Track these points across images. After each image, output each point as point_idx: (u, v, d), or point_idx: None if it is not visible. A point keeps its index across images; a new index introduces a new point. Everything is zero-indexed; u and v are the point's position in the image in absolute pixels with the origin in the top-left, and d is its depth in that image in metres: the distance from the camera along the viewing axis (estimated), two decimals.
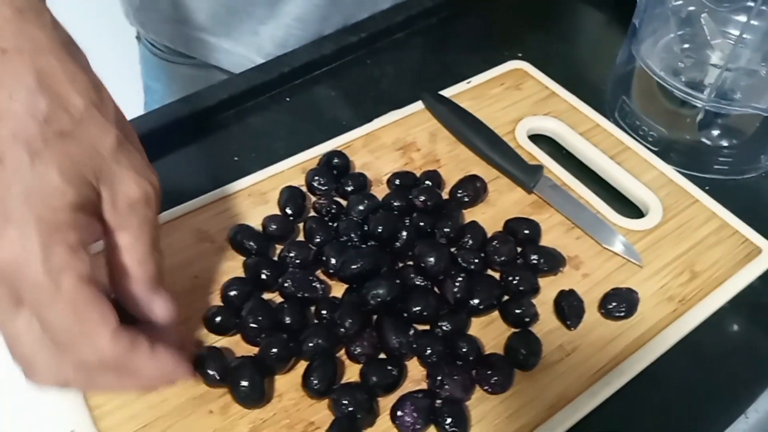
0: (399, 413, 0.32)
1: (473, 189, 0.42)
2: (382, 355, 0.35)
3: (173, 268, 0.38)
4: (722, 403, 0.36)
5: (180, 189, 0.45)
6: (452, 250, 0.39)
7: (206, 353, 0.34)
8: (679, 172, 0.45)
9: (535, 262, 0.38)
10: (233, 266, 0.39)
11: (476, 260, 0.38)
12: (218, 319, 0.36)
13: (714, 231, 0.42)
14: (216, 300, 0.38)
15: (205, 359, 0.34)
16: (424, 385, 0.34)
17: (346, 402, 0.32)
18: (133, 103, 0.58)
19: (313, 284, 0.37)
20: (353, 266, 0.36)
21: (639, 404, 0.36)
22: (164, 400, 0.34)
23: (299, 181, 0.44)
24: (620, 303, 0.37)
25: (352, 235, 0.39)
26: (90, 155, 0.26)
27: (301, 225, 0.42)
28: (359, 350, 0.34)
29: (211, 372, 0.33)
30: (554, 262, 0.39)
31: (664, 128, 0.47)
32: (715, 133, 0.46)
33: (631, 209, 0.44)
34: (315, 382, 0.33)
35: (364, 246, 0.39)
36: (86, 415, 0.33)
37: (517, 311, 0.36)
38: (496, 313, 0.38)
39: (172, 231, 0.41)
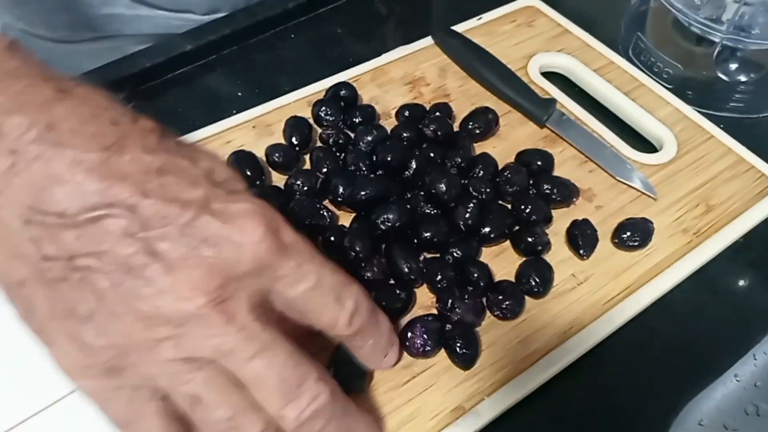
0: (409, 335, 0.31)
1: (485, 121, 0.41)
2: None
3: None
4: (735, 335, 0.36)
5: (183, 122, 0.44)
6: (463, 181, 0.38)
7: None
8: (694, 110, 0.44)
9: (548, 191, 0.37)
10: None
11: (488, 189, 0.37)
12: None
13: (729, 166, 0.41)
14: None
15: None
16: (434, 312, 0.34)
17: None
18: None
19: (321, 212, 0.36)
20: (362, 192, 0.36)
21: (652, 334, 0.35)
22: None
23: (306, 114, 0.42)
24: (635, 232, 0.36)
25: (361, 164, 0.38)
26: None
27: (306, 157, 0.41)
28: (369, 275, 0.34)
29: None
30: (567, 192, 0.38)
31: (680, 65, 0.46)
32: (732, 67, 0.45)
33: (644, 145, 0.43)
34: None
35: (372, 175, 0.38)
36: None
37: (529, 239, 0.36)
38: (506, 244, 0.37)
39: None
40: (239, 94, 0.47)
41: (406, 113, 0.42)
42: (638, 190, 0.39)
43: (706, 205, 0.39)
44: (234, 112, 0.44)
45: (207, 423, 0.22)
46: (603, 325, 0.34)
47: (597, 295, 0.35)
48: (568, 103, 0.44)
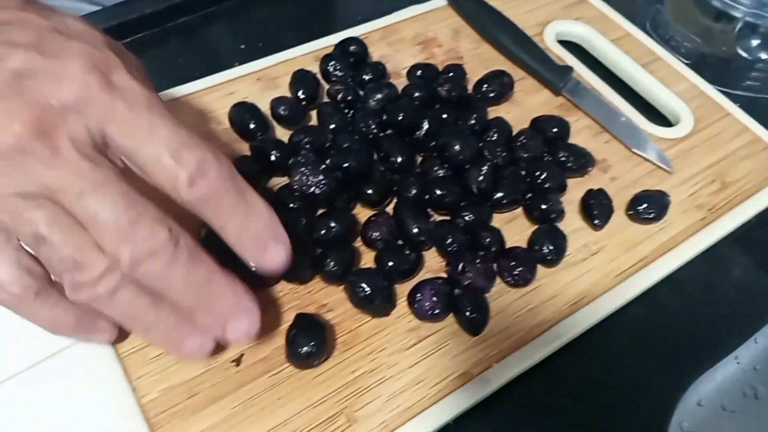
0: (418, 296, 0.30)
1: (500, 84, 0.40)
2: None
3: None
4: (743, 316, 0.35)
5: (182, 72, 0.42)
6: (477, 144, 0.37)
7: (210, 232, 0.32)
8: (711, 86, 0.43)
9: (563, 159, 0.36)
10: (240, 148, 0.37)
11: (503, 153, 0.36)
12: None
13: (745, 144, 0.40)
14: None
15: (212, 236, 0.31)
16: (443, 276, 0.32)
17: (363, 286, 0.30)
18: None
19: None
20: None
21: (661, 310, 0.34)
22: None
23: (313, 69, 0.41)
24: (651, 205, 0.35)
25: (370, 122, 0.37)
26: None
27: (313, 113, 0.39)
28: (376, 234, 0.32)
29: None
30: (584, 160, 0.37)
31: (699, 39, 0.44)
32: (754, 44, 0.44)
33: (659, 119, 0.42)
34: (332, 264, 0.31)
35: (382, 134, 0.37)
36: None
37: (543, 206, 0.34)
38: (518, 211, 0.36)
39: (177, 108, 0.38)
40: (242, 46, 0.46)
41: (419, 73, 0.40)
42: (654, 163, 0.38)
43: (721, 182, 0.38)
44: (236, 64, 0.42)
45: (52, 262, 0.22)
46: (614, 298, 0.33)
47: (609, 267, 0.34)
48: (584, 73, 0.43)
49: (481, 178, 0.34)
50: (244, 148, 0.37)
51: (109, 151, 0.23)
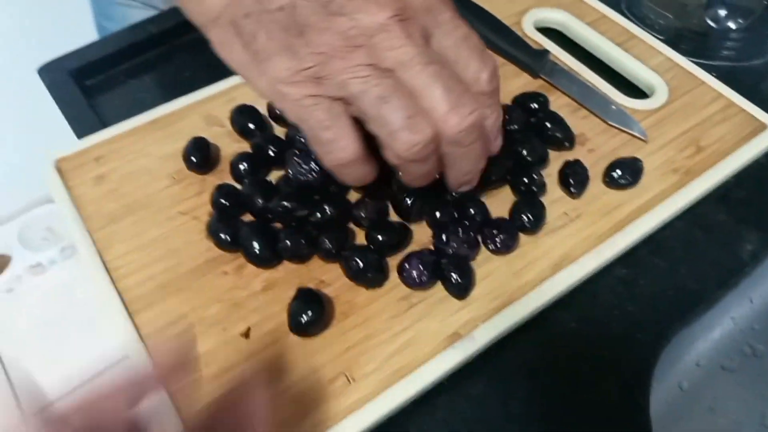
0: (406, 266, 0.33)
1: None
2: None
3: (181, 149, 0.39)
4: (724, 268, 0.37)
5: (192, 81, 0.45)
6: None
7: (217, 219, 0.35)
8: (686, 59, 0.45)
9: (549, 126, 0.39)
10: (242, 147, 0.40)
11: None
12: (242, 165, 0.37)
13: (720, 110, 0.42)
14: (231, 177, 0.38)
15: (217, 225, 0.35)
16: (430, 248, 0.35)
17: (356, 260, 0.33)
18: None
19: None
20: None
21: (643, 269, 0.37)
22: (179, 263, 0.35)
23: None
24: (624, 170, 0.37)
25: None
26: None
27: None
28: (362, 213, 0.35)
29: (222, 236, 0.34)
30: (565, 131, 0.39)
31: (672, 15, 0.47)
32: (722, 14, 0.46)
33: (637, 94, 0.44)
34: (327, 243, 0.34)
35: None
36: (107, 277, 0.34)
37: (526, 180, 0.37)
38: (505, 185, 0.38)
39: (183, 116, 0.42)
40: None
41: None
42: (629, 134, 0.40)
43: (696, 146, 0.40)
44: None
45: (389, 119, 0.27)
46: (593, 258, 0.35)
47: (588, 231, 0.36)
48: (562, 56, 0.45)
49: None
50: (246, 146, 0.40)
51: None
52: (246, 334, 0.32)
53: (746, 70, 0.46)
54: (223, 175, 0.39)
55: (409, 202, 0.35)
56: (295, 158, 0.35)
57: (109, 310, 0.33)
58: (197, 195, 0.38)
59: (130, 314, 0.33)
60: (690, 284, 0.36)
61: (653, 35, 0.47)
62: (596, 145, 0.40)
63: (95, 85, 0.47)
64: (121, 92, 0.47)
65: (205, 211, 0.37)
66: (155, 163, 0.40)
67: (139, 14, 0.59)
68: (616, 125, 0.41)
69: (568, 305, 0.35)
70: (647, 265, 0.37)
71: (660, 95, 0.43)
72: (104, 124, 0.43)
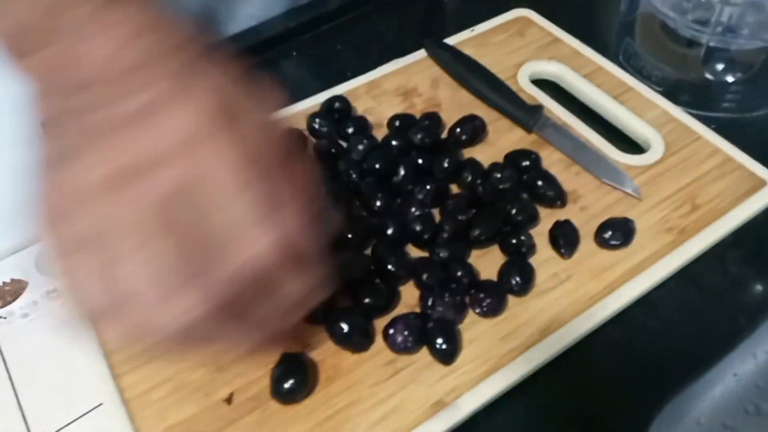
0: (390, 331, 0.33)
1: (471, 127, 0.43)
2: None
3: None
4: (722, 331, 0.36)
5: None
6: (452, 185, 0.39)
7: None
8: (687, 112, 0.45)
9: (540, 185, 0.38)
10: None
11: (479, 188, 0.39)
12: None
13: (717, 165, 0.42)
14: None
15: None
16: (417, 311, 0.35)
17: (341, 324, 0.33)
18: None
19: None
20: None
21: (636, 331, 0.36)
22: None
23: (303, 127, 0.44)
24: (616, 231, 0.37)
25: (351, 172, 0.40)
26: None
27: None
28: (351, 275, 0.35)
29: None
30: (556, 190, 0.39)
31: (670, 67, 0.46)
32: (719, 68, 0.45)
33: (632, 148, 0.44)
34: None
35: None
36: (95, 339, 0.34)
37: (514, 242, 0.37)
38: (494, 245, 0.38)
39: None
40: None
41: (397, 123, 0.44)
42: (623, 191, 0.40)
43: (691, 204, 0.40)
44: None
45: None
46: (583, 322, 0.35)
47: (578, 293, 0.36)
48: (556, 109, 0.45)
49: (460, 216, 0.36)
50: None
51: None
52: (229, 400, 0.32)
53: (746, 122, 0.46)
54: None
55: (391, 266, 0.35)
56: None
57: (95, 371, 0.33)
58: None
59: (114, 377, 0.33)
60: (686, 347, 0.35)
61: (651, 87, 0.47)
62: (589, 203, 0.40)
63: None
64: None
65: None
66: None
67: None
68: (609, 183, 0.40)
69: (559, 367, 0.34)
70: (641, 326, 0.36)
71: (656, 150, 0.42)
72: None
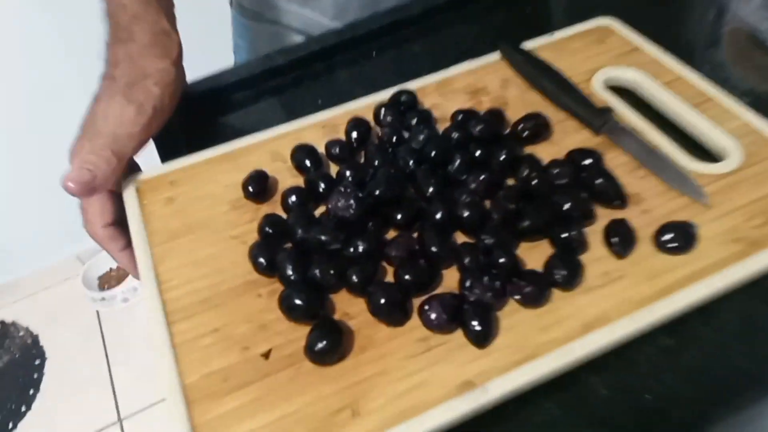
0: (426, 307, 0.33)
1: (534, 124, 0.42)
2: None
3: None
4: None
5: (266, 126, 0.49)
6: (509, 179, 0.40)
7: (259, 244, 0.37)
8: None
9: (599, 182, 0.38)
10: (298, 182, 0.43)
11: (534, 181, 0.38)
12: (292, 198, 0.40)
13: None
14: (279, 208, 0.41)
15: (258, 249, 0.37)
16: (455, 292, 0.35)
17: (380, 297, 0.34)
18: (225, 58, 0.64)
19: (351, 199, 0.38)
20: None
21: (691, 341, 0.34)
22: (222, 281, 0.37)
23: (370, 118, 0.46)
24: (676, 234, 0.35)
25: (408, 159, 0.41)
26: None
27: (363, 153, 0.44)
28: (395, 252, 0.36)
29: (261, 260, 0.37)
30: (615, 188, 0.38)
31: (757, 78, 0.44)
32: None
33: (708, 158, 0.42)
34: (354, 278, 0.35)
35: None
36: (155, 287, 0.37)
37: (564, 235, 0.36)
38: (545, 239, 0.37)
39: (253, 151, 0.46)
40: (319, 102, 0.52)
41: (460, 117, 0.44)
42: (689, 197, 0.38)
43: (765, 217, 0.37)
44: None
45: None
46: (631, 323, 0.33)
47: (629, 294, 0.34)
48: (629, 116, 0.44)
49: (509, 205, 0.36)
50: (301, 181, 0.43)
51: None
52: (266, 355, 0.34)
53: None
54: (275, 206, 0.41)
55: (434, 248, 0.35)
56: (337, 194, 0.37)
57: (151, 318, 0.36)
58: (249, 222, 0.41)
59: (168, 323, 0.35)
60: (743, 363, 0.33)
61: (735, 97, 0.44)
62: (652, 206, 0.38)
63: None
64: (203, 125, 0.52)
65: (253, 237, 0.40)
66: (220, 189, 0.43)
67: (265, 31, 0.67)
68: (676, 187, 0.39)
69: (601, 369, 0.33)
70: (696, 336, 0.34)
71: (733, 160, 0.40)
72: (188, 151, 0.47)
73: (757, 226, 0.37)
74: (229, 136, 0.48)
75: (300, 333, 0.34)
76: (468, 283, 0.34)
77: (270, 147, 0.46)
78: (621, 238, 0.35)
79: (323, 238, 0.36)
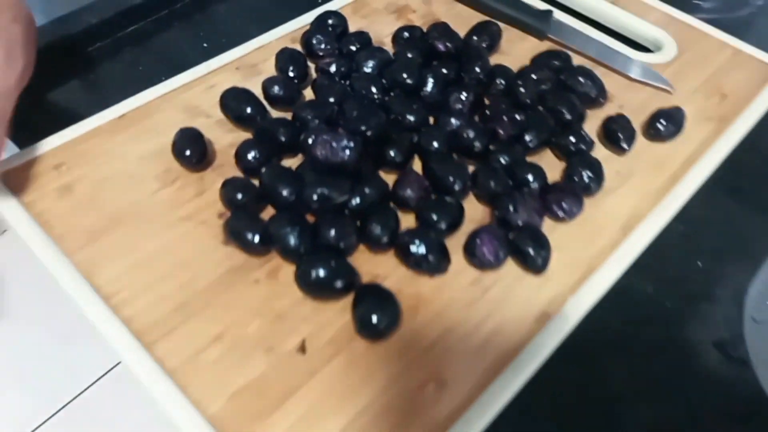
0: (477, 242, 0.28)
1: (489, 33, 0.39)
2: None
3: (165, 146, 0.32)
4: None
5: (145, 80, 0.38)
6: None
7: (236, 218, 0.29)
8: (680, 12, 0.44)
9: (582, 81, 0.36)
10: (238, 137, 0.34)
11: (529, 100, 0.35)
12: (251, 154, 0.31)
13: (730, 57, 0.41)
14: (232, 171, 0.32)
15: (239, 224, 0.28)
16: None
17: (415, 245, 0.28)
18: None
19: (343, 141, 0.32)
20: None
21: (701, 223, 0.34)
22: (194, 277, 0.28)
23: (297, 48, 0.38)
24: (669, 120, 0.35)
25: (372, 88, 0.35)
26: None
27: (306, 91, 0.37)
28: (409, 192, 0.30)
29: (249, 236, 0.28)
30: (598, 86, 0.36)
31: None
32: None
33: (642, 50, 0.43)
34: (378, 230, 0.28)
35: (387, 98, 0.35)
36: (104, 306, 0.27)
37: (573, 140, 0.33)
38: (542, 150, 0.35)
39: (156, 109, 0.35)
40: (204, 45, 0.42)
41: (405, 35, 0.39)
42: (654, 86, 0.38)
43: (720, 94, 0.39)
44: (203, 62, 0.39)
45: None
46: (661, 214, 0.32)
47: (646, 188, 0.33)
48: (561, 17, 0.43)
49: (511, 123, 0.32)
50: (242, 135, 0.34)
51: None
52: (302, 349, 0.26)
53: (731, 22, 0.46)
54: (223, 171, 0.32)
55: (452, 177, 0.30)
56: (325, 138, 0.29)
57: (118, 346, 0.26)
58: (198, 196, 0.31)
59: (145, 347, 0.26)
60: (744, 232, 0.34)
61: None
62: (624, 101, 0.38)
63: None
64: (73, 87, 0.39)
65: (212, 212, 0.31)
66: (134, 165, 0.32)
67: None
68: (640, 79, 0.38)
69: (639, 271, 0.32)
70: (702, 219, 0.34)
71: (669, 49, 0.41)
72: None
73: (717, 104, 0.38)
74: (107, 97, 0.36)
75: (330, 312, 0.27)
76: (511, 208, 0.29)
77: (179, 101, 0.36)
78: (626, 134, 0.34)
79: (326, 193, 0.28)
